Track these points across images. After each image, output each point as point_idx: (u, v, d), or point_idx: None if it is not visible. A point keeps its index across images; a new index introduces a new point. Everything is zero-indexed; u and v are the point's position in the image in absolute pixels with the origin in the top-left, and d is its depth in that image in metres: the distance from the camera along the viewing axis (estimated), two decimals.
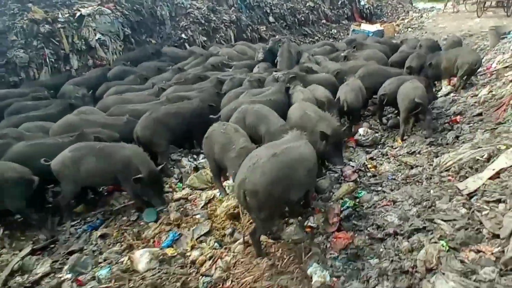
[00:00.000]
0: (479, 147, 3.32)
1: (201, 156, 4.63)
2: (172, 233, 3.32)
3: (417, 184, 3.35)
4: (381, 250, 2.55)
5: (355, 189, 3.57)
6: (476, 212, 2.48)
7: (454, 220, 2.49)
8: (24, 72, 7.80)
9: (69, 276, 2.81)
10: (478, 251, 2.17)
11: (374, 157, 4.27)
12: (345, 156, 4.43)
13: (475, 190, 2.73)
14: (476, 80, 6.07)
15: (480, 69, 6.57)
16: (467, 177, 2.98)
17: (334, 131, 3.37)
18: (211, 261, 2.77)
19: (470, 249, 2.20)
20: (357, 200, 3.44)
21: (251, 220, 2.98)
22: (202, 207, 3.63)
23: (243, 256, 2.73)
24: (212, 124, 3.67)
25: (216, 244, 3.00)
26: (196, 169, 4.40)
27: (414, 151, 4.07)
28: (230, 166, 3.18)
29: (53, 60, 8.02)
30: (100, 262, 2.97)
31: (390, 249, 2.51)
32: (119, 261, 2.94)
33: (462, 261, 2.13)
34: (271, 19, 11.83)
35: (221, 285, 2.54)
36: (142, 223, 3.61)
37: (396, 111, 5.39)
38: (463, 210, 2.58)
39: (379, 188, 3.53)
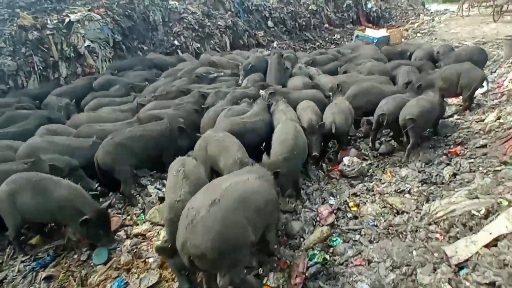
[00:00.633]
0: (476, 197, 2.80)
1: None
2: (118, 281, 2.97)
3: (400, 237, 2.86)
4: None
5: (330, 236, 3.12)
6: None
7: None
8: (12, 80, 7.67)
9: None
10: None
11: (358, 193, 3.78)
12: (327, 190, 3.99)
13: (466, 260, 2.24)
14: (485, 99, 5.44)
15: (490, 85, 5.93)
16: (458, 238, 2.48)
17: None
18: None
19: None
20: (330, 249, 2.99)
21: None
22: None
23: None
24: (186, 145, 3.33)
25: None
26: (162, 199, 4.04)
27: (403, 190, 3.56)
28: None
29: (41, 68, 7.86)
30: None
31: None
32: None
33: None
34: (270, 23, 11.30)
35: None
36: (92, 264, 3.29)
37: (391, 135, 4.88)
38: None
39: (357, 237, 3.05)
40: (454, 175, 3.59)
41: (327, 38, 12.42)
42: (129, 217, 3.85)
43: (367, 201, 3.58)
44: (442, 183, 3.53)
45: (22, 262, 3.41)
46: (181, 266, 2.39)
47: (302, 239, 3.14)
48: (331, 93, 5.22)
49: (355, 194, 3.77)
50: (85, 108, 5.64)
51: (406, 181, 3.75)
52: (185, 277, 2.50)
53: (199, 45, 9.15)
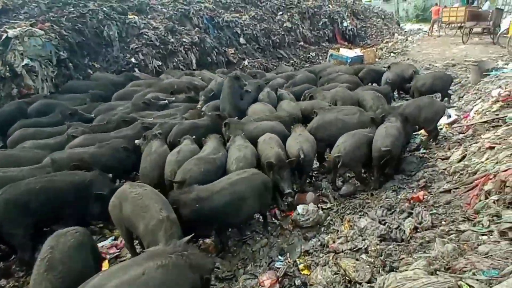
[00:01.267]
0: (436, 272, 2.36)
1: None
2: None
3: None
4: None
5: None
6: None
7: None
8: None
9: None
10: None
11: (311, 250, 3.28)
12: (277, 245, 3.47)
13: None
14: (450, 132, 5.19)
15: (456, 114, 5.77)
16: None
17: None
18: None
19: None
20: None
21: None
22: None
23: None
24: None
25: None
26: None
27: (360, 249, 3.09)
28: None
29: None
30: None
31: None
32: None
33: None
34: (242, 40, 10.92)
35: None
36: None
37: (353, 175, 4.48)
38: None
39: None
40: (415, 228, 3.18)
41: (302, 56, 12.21)
42: None
43: (319, 261, 3.08)
44: (402, 240, 3.11)
45: None
46: None
47: None
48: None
49: (307, 252, 3.27)
50: (7, 141, 4.84)
51: (365, 234, 3.30)
52: None
53: (160, 63, 8.53)
